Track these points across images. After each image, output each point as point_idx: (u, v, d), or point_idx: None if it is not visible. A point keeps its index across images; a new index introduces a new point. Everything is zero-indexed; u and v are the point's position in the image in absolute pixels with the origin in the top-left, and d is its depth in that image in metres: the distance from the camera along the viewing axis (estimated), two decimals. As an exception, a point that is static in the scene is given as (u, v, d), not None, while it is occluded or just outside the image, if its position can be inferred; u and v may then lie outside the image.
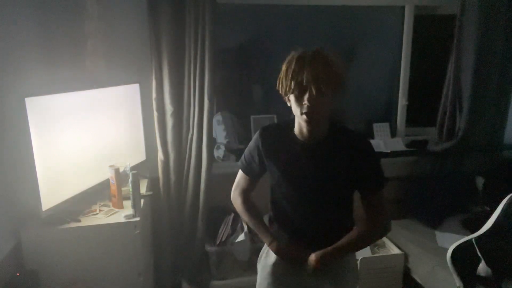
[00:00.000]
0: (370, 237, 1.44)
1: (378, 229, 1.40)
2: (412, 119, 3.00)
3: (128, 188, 1.87)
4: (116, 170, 1.87)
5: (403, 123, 2.99)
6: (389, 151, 2.77)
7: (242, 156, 1.50)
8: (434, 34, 2.98)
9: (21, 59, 1.79)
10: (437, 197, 2.67)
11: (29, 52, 1.87)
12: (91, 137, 1.96)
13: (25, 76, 1.78)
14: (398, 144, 2.86)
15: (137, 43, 2.33)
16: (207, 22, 2.23)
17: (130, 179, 1.83)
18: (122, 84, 2.19)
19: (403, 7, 2.81)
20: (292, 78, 1.20)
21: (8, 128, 1.64)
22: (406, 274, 2.39)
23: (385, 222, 1.44)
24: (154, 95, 2.31)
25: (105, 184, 1.96)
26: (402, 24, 2.84)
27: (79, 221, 1.77)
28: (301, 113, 1.22)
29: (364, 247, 1.48)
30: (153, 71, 2.28)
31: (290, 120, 1.36)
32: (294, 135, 1.33)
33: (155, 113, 2.34)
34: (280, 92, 1.27)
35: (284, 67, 1.24)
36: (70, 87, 1.83)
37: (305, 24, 2.82)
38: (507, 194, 1.90)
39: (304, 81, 1.17)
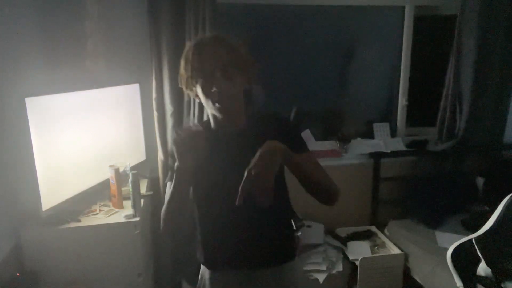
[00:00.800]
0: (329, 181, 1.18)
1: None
2: (412, 119, 3.00)
3: (128, 188, 1.87)
4: (116, 170, 1.87)
5: (403, 123, 2.99)
6: (389, 151, 2.77)
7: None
8: (434, 34, 2.98)
9: (21, 59, 1.79)
10: (437, 197, 2.67)
11: (29, 52, 1.88)
12: (91, 137, 1.96)
13: (25, 76, 1.78)
14: (398, 144, 2.86)
15: (137, 43, 2.33)
16: (207, 22, 2.23)
17: (130, 179, 1.83)
18: (122, 84, 2.19)
19: (403, 7, 2.81)
20: (194, 67, 1.10)
21: (8, 128, 1.64)
22: (406, 274, 2.39)
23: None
24: (154, 95, 2.31)
25: (105, 184, 1.96)
26: (402, 24, 2.84)
27: (79, 221, 1.77)
28: (213, 103, 1.11)
29: (324, 184, 1.16)
30: (153, 71, 2.28)
31: (205, 121, 1.26)
32: (211, 130, 1.22)
33: (155, 113, 2.34)
34: (185, 88, 1.18)
35: (182, 60, 1.15)
36: (70, 87, 1.83)
37: (305, 24, 2.82)
38: (507, 194, 1.90)
39: (208, 66, 1.08)
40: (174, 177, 1.13)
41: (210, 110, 1.17)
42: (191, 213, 1.29)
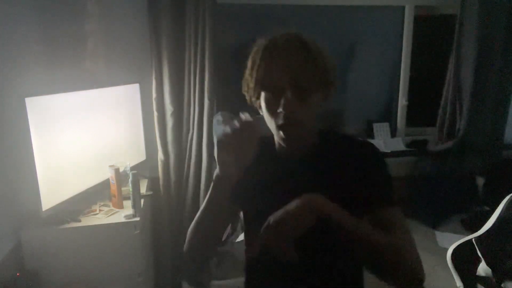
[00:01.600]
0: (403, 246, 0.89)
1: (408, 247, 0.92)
2: (412, 119, 3.00)
3: (128, 188, 1.87)
4: (116, 170, 1.87)
5: (403, 123, 2.99)
6: (389, 151, 2.77)
7: None
8: (434, 34, 2.98)
9: (21, 59, 1.79)
10: (437, 197, 2.66)
11: (29, 52, 1.88)
12: (91, 137, 1.96)
13: (25, 76, 1.78)
14: (398, 144, 2.86)
15: (137, 43, 2.33)
16: (207, 22, 2.23)
17: (130, 179, 1.83)
18: (122, 84, 2.19)
19: (403, 7, 2.81)
20: (259, 75, 0.88)
21: (8, 128, 1.64)
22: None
23: (413, 255, 0.92)
24: (154, 95, 2.31)
25: (105, 184, 1.96)
26: (402, 24, 2.83)
27: (79, 221, 1.77)
28: (277, 127, 0.88)
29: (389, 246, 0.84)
30: (153, 71, 2.28)
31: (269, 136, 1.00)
32: (274, 150, 0.99)
33: (155, 113, 2.33)
34: (247, 97, 0.96)
35: (249, 63, 0.92)
36: (70, 87, 1.83)
37: (305, 24, 2.82)
38: (508, 194, 1.90)
39: (277, 78, 0.85)
40: (212, 187, 0.90)
41: (273, 132, 0.93)
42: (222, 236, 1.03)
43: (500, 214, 1.86)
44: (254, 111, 0.96)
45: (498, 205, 1.90)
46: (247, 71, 0.94)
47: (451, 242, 2.00)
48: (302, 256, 0.77)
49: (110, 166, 1.88)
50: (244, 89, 0.97)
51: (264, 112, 0.92)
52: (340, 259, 0.95)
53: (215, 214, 0.93)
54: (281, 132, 0.89)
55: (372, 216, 0.90)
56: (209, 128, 2.34)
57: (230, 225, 2.35)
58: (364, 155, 0.95)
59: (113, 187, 1.89)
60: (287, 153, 0.97)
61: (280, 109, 0.85)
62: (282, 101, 0.85)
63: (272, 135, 0.98)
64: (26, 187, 1.64)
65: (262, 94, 0.90)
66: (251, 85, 0.92)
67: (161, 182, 2.41)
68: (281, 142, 0.93)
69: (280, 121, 0.87)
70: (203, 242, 0.98)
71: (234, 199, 0.93)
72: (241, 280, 2.41)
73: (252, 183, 0.95)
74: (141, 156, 2.36)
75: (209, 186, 2.21)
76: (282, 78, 0.85)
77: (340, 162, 0.93)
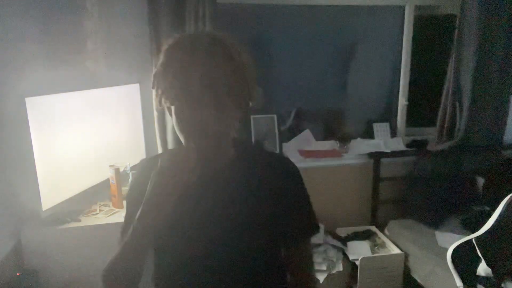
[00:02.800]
0: None
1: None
2: (412, 119, 3.00)
3: (128, 188, 1.87)
4: (116, 170, 1.87)
5: (403, 123, 2.99)
6: (389, 151, 2.77)
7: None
8: (434, 34, 2.98)
9: (21, 59, 1.79)
10: (437, 197, 2.66)
11: (29, 52, 1.87)
12: (91, 137, 1.96)
13: (25, 76, 1.78)
14: (398, 144, 2.86)
15: (137, 43, 2.33)
16: (207, 22, 2.23)
17: (130, 179, 1.83)
18: (122, 84, 2.19)
19: (403, 7, 2.81)
20: (173, 79, 0.75)
21: (8, 128, 1.64)
22: (406, 274, 2.39)
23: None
24: (154, 95, 2.31)
25: (105, 184, 1.96)
26: (402, 24, 2.83)
27: (79, 221, 1.77)
28: (187, 138, 0.79)
29: None
30: (153, 71, 2.28)
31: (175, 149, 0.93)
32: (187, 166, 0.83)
33: (155, 113, 2.33)
34: (155, 97, 0.82)
35: (162, 58, 0.81)
36: (70, 87, 1.83)
37: (305, 24, 2.82)
38: (508, 194, 1.90)
39: (194, 85, 0.73)
40: (133, 228, 0.82)
41: (182, 140, 0.82)
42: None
43: (500, 214, 1.86)
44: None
45: (498, 205, 1.90)
46: (159, 67, 0.82)
47: (451, 242, 2.00)
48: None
49: (110, 166, 1.88)
50: (154, 86, 0.83)
51: (174, 118, 0.80)
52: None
53: (137, 251, 0.86)
54: (191, 144, 0.78)
55: (289, 244, 0.91)
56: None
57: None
58: (281, 170, 0.89)
59: (113, 187, 1.89)
60: (198, 167, 0.79)
61: (194, 119, 0.75)
62: (195, 109, 0.75)
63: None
64: (26, 187, 1.64)
65: (174, 103, 0.78)
66: (164, 84, 0.79)
67: (161, 182, 2.40)
68: (192, 154, 0.77)
69: (192, 132, 0.78)
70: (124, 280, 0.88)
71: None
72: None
73: (161, 205, 0.78)
74: (141, 156, 2.36)
75: None
76: (199, 84, 0.74)
77: (256, 177, 0.86)
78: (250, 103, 0.84)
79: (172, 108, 0.79)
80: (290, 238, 0.90)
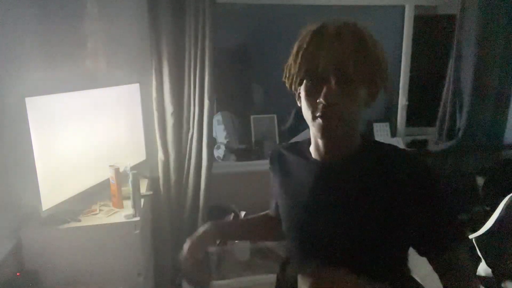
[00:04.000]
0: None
1: None
2: (412, 119, 3.00)
3: (128, 188, 1.87)
4: (116, 170, 1.87)
5: (403, 123, 2.99)
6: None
7: None
8: (434, 34, 2.98)
9: (21, 59, 1.79)
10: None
11: (29, 52, 1.87)
12: (91, 137, 1.96)
13: (25, 76, 1.78)
14: (398, 144, 2.84)
15: (137, 43, 2.33)
16: (207, 22, 2.23)
17: (130, 179, 1.84)
18: (122, 84, 2.19)
19: (403, 7, 2.81)
20: (303, 63, 0.80)
21: (8, 128, 1.64)
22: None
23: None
24: (154, 94, 2.31)
25: (105, 184, 1.96)
26: (402, 24, 2.83)
27: (79, 221, 1.77)
28: (313, 118, 0.81)
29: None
30: (153, 71, 2.28)
31: (308, 139, 0.96)
32: (309, 153, 0.93)
33: (155, 113, 2.33)
34: (287, 84, 0.89)
35: (295, 48, 0.84)
36: (70, 87, 1.83)
37: (305, 24, 2.82)
38: (507, 194, 1.90)
39: (321, 68, 0.77)
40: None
41: (310, 128, 0.85)
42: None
43: (500, 214, 1.86)
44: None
45: (498, 205, 1.90)
46: (291, 57, 0.85)
47: (451, 242, 1.99)
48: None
49: (110, 166, 1.88)
50: (286, 75, 0.89)
51: (302, 101, 0.84)
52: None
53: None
54: (317, 122, 0.80)
55: (431, 256, 0.87)
56: (209, 128, 2.34)
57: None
58: (415, 171, 0.83)
59: (113, 187, 1.89)
60: (323, 155, 0.88)
61: (320, 99, 0.78)
62: (323, 91, 0.77)
63: (308, 141, 0.94)
64: (26, 187, 1.64)
65: (304, 82, 0.82)
66: (293, 71, 0.83)
67: (161, 182, 2.41)
68: (316, 133, 0.81)
69: (318, 112, 0.79)
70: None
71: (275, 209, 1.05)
72: (241, 280, 2.42)
73: (287, 191, 0.95)
74: (141, 156, 2.36)
75: (209, 186, 2.21)
76: (327, 66, 0.77)
77: (384, 175, 0.82)
78: (379, 89, 0.84)
79: (302, 90, 0.83)
80: (428, 246, 0.87)
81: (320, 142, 0.87)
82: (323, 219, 0.87)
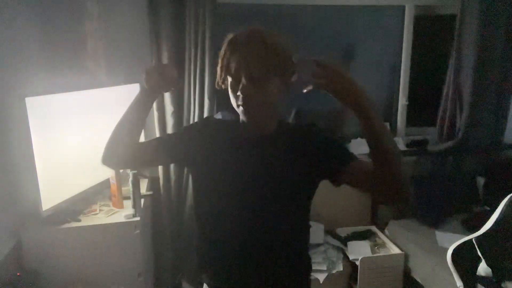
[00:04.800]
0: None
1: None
2: (412, 119, 3.00)
3: (128, 188, 1.87)
4: (116, 170, 1.87)
5: (404, 123, 2.99)
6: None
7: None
8: (434, 34, 2.98)
9: (21, 59, 1.79)
10: (437, 197, 2.67)
11: (29, 52, 1.87)
12: (92, 137, 1.96)
13: (25, 76, 1.78)
14: (398, 144, 2.86)
15: (137, 43, 2.33)
16: (207, 22, 2.23)
17: (130, 179, 1.84)
18: (122, 84, 2.19)
19: (403, 7, 2.81)
20: (223, 66, 1.04)
21: (9, 128, 1.64)
22: (406, 274, 2.39)
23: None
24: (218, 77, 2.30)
25: (105, 184, 1.96)
26: (402, 24, 2.83)
27: (79, 220, 1.77)
28: (237, 106, 1.06)
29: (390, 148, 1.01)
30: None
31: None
32: (238, 130, 1.14)
33: (155, 113, 2.34)
34: (219, 79, 1.10)
35: (220, 53, 1.07)
36: (71, 87, 1.83)
37: (305, 24, 2.82)
38: (507, 194, 1.90)
39: (233, 68, 1.01)
40: (136, 96, 1.14)
41: (236, 109, 1.09)
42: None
43: (500, 214, 1.86)
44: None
45: (498, 205, 1.90)
46: (219, 59, 1.07)
47: (451, 242, 2.00)
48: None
49: (110, 166, 1.88)
50: (218, 76, 1.10)
51: (229, 93, 1.07)
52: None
53: (134, 118, 1.17)
54: (240, 108, 1.05)
55: (341, 173, 1.06)
56: (209, 128, 2.34)
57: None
58: (311, 133, 1.14)
59: (113, 187, 1.89)
60: (246, 130, 1.12)
61: (238, 92, 1.02)
62: (240, 86, 1.01)
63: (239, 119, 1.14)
64: (26, 187, 1.64)
65: (228, 79, 1.06)
66: (219, 72, 1.08)
67: (161, 182, 2.41)
68: (241, 116, 1.08)
69: (239, 102, 1.04)
70: (119, 145, 1.18)
71: (184, 157, 1.16)
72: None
73: (210, 149, 1.12)
74: (141, 156, 2.36)
75: None
76: (239, 67, 1.00)
77: (293, 143, 1.10)
78: (287, 78, 1.05)
79: (228, 85, 1.06)
80: (336, 167, 1.06)
81: (244, 122, 1.10)
82: (246, 175, 1.08)
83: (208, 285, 1.19)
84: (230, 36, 1.05)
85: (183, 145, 1.15)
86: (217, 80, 1.11)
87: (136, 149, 1.17)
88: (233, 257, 1.10)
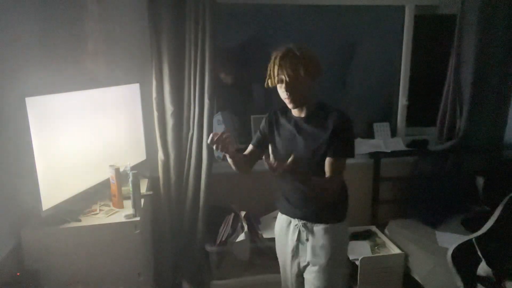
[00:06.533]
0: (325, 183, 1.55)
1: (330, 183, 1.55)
2: (412, 119, 3.00)
3: (128, 188, 1.87)
4: (117, 170, 1.87)
5: (403, 123, 2.99)
6: (389, 151, 2.77)
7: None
8: (434, 34, 2.98)
9: (21, 59, 1.79)
10: (437, 197, 2.67)
11: (29, 52, 1.88)
12: (92, 137, 1.96)
13: (25, 76, 1.78)
14: (398, 144, 2.86)
15: (137, 43, 2.33)
16: (207, 22, 2.23)
17: (130, 179, 1.84)
18: (122, 84, 2.19)
19: (403, 7, 2.81)
20: (273, 74, 1.53)
21: (9, 128, 1.64)
22: (406, 274, 2.39)
23: (334, 186, 1.56)
24: (154, 94, 2.31)
25: (105, 184, 1.96)
26: (402, 24, 2.84)
27: (80, 220, 1.77)
28: (284, 98, 1.56)
29: (317, 187, 1.51)
30: (153, 71, 2.28)
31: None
32: (289, 114, 1.69)
33: (155, 113, 2.34)
34: (270, 84, 1.58)
35: (269, 67, 1.56)
36: (70, 87, 1.83)
37: (305, 24, 2.82)
38: (507, 194, 1.90)
39: (277, 74, 1.51)
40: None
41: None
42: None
43: (500, 214, 1.86)
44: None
45: (498, 205, 1.90)
46: (268, 71, 1.55)
47: (451, 242, 2.00)
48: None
49: (110, 165, 1.88)
50: (268, 82, 1.57)
51: (279, 92, 1.56)
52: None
53: (237, 164, 1.68)
54: (286, 101, 1.56)
55: (328, 160, 1.55)
56: (209, 128, 2.34)
57: (230, 225, 2.36)
58: (338, 120, 1.55)
59: (113, 187, 1.89)
60: (294, 114, 1.65)
61: (283, 89, 1.53)
62: (283, 85, 1.52)
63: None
64: (26, 187, 1.64)
65: (278, 84, 1.55)
66: (271, 78, 1.55)
67: (161, 182, 2.41)
68: (288, 106, 1.59)
69: (284, 96, 1.55)
70: (241, 171, 1.73)
71: (268, 138, 1.71)
72: (241, 280, 2.42)
73: (278, 128, 1.70)
74: (141, 156, 2.37)
75: (209, 186, 2.34)
76: (283, 74, 1.51)
77: (323, 123, 1.57)
78: (315, 77, 1.54)
79: (278, 88, 1.57)
80: (329, 153, 1.54)
81: (290, 108, 1.62)
82: (295, 148, 1.60)
83: (281, 213, 1.77)
84: (274, 53, 1.53)
85: (267, 131, 1.72)
86: (266, 82, 1.57)
87: (250, 163, 1.77)
88: (292, 192, 1.67)
